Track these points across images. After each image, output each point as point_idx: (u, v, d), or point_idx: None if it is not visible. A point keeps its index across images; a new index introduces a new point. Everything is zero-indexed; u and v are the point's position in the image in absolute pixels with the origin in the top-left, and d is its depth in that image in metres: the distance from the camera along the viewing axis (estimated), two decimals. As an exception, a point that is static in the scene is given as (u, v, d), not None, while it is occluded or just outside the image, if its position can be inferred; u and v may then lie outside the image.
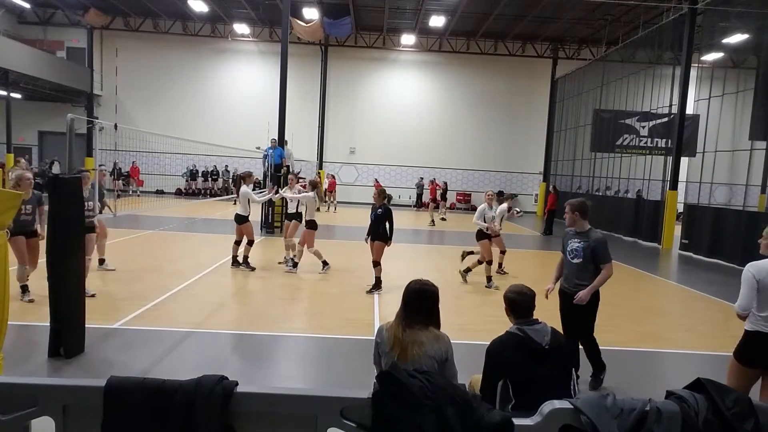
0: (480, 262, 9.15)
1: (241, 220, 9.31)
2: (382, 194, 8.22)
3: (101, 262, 8.61)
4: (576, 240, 4.67)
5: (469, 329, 6.27)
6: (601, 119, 19.81)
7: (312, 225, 9.25)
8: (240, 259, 9.43)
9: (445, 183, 25.73)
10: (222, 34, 26.83)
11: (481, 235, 9.10)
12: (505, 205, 10.20)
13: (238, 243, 9.47)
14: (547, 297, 4.75)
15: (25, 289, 6.59)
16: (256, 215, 12.75)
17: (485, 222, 9.10)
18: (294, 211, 9.92)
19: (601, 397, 1.88)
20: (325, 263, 9.38)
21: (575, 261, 4.65)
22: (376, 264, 8.15)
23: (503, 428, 1.81)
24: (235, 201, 21.07)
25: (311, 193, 9.26)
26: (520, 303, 3.03)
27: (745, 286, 3.52)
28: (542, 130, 27.73)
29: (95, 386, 1.83)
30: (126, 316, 6.25)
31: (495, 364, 2.88)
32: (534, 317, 3.01)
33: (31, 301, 6.49)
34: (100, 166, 21.77)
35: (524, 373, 2.76)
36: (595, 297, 4.66)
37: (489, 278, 8.99)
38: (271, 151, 15.13)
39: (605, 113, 19.88)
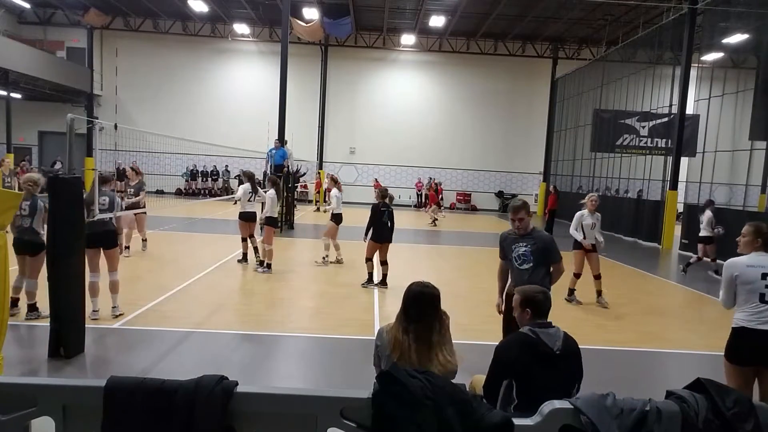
0: (576, 276, 8.19)
1: (274, 222, 9.48)
2: (378, 194, 8.64)
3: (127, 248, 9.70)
4: (522, 244, 4.34)
5: (469, 329, 6.26)
6: (601, 119, 19.80)
7: (272, 222, 9.32)
8: (262, 260, 9.44)
9: (438, 183, 25.61)
10: (222, 34, 26.83)
11: (576, 245, 8.08)
12: (710, 213, 9.86)
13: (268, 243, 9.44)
14: (501, 313, 4.67)
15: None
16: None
17: (584, 232, 7.94)
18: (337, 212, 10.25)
19: (601, 397, 1.88)
20: (269, 266, 9.23)
21: (524, 267, 4.31)
22: (367, 260, 8.54)
23: (503, 428, 1.81)
24: (236, 201, 21.18)
25: (272, 191, 9.35)
26: (543, 304, 2.96)
27: (722, 283, 3.69)
28: (542, 130, 27.74)
29: (95, 386, 1.83)
30: (126, 316, 6.25)
31: (501, 363, 2.84)
32: (548, 320, 2.96)
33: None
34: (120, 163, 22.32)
35: (530, 375, 2.73)
36: None
37: (571, 291, 8.17)
38: (273, 151, 15.12)
39: (605, 113, 19.88)
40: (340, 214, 10.28)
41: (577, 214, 8.03)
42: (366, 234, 8.46)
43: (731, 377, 3.55)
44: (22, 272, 5.96)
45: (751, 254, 3.60)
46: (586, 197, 8.11)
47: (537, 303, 2.96)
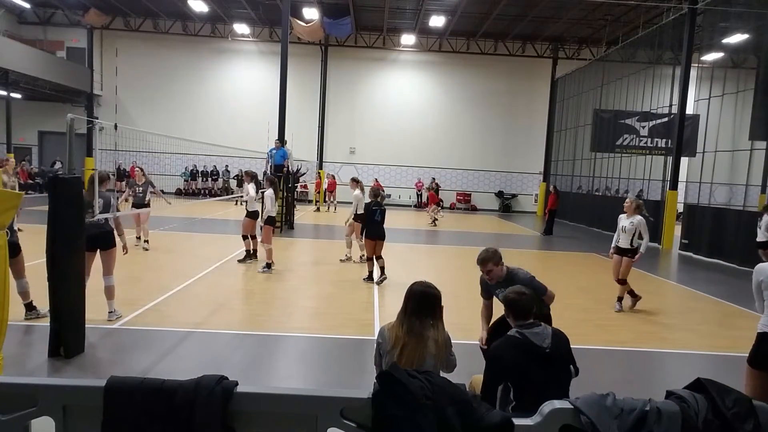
0: (618, 282, 8.04)
1: (272, 221, 9.61)
2: (371, 193, 9.12)
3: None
4: (503, 289, 4.09)
5: (468, 329, 6.25)
6: (601, 119, 19.80)
7: (271, 221, 9.45)
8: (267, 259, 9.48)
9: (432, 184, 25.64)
10: (222, 34, 26.83)
11: (616, 249, 7.87)
12: None
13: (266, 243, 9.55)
14: (484, 345, 4.50)
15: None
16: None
17: (623, 237, 7.73)
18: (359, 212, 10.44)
19: (601, 397, 1.88)
20: (269, 265, 9.29)
21: None
22: (368, 258, 8.88)
23: (503, 428, 1.81)
24: (237, 201, 21.24)
25: (269, 190, 9.47)
26: (518, 304, 3.01)
27: (753, 289, 3.67)
28: (542, 130, 27.74)
29: (95, 386, 1.83)
30: (126, 316, 6.24)
31: (495, 368, 2.89)
32: (533, 320, 3.00)
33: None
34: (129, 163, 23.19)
35: (524, 376, 2.76)
36: None
37: (619, 299, 7.98)
38: (273, 151, 15.13)
39: (605, 113, 19.87)
40: (363, 214, 10.37)
41: (619, 217, 7.91)
42: (361, 233, 8.82)
43: (748, 381, 3.55)
44: None
45: None
46: (626, 201, 7.90)
47: (513, 303, 3.02)
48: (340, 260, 10.60)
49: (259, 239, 9.98)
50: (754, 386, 3.49)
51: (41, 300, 5.96)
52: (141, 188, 10.94)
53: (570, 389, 2.92)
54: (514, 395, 2.77)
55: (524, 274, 4.20)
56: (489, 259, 4.11)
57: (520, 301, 3.01)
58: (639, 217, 7.63)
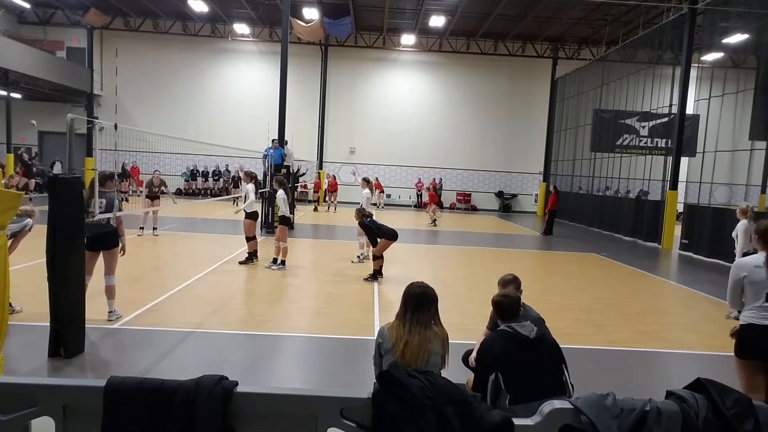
0: None
1: (287, 221, 9.80)
2: (361, 213, 9.35)
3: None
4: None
5: (469, 329, 6.26)
6: (601, 119, 19.79)
7: (285, 221, 9.58)
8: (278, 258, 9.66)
9: (432, 183, 25.64)
10: (222, 34, 26.83)
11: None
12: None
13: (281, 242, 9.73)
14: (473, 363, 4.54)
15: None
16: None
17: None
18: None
19: (601, 397, 1.88)
20: (283, 262, 9.53)
21: None
22: (375, 257, 8.99)
23: (503, 428, 1.81)
24: (235, 201, 21.23)
25: (280, 191, 9.66)
26: (506, 305, 3.33)
27: (730, 283, 3.80)
28: (542, 130, 27.74)
29: (95, 386, 1.83)
30: (126, 316, 6.24)
31: (487, 358, 3.03)
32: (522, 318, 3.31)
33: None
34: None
35: (514, 363, 2.91)
36: None
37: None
38: (271, 151, 15.13)
39: (605, 113, 19.87)
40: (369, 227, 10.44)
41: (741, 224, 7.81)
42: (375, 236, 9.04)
43: (741, 373, 3.67)
44: None
45: (760, 253, 3.72)
46: (739, 207, 7.83)
47: (498, 304, 3.39)
48: (352, 261, 10.53)
49: (259, 239, 10.00)
50: (746, 376, 3.63)
51: (41, 300, 5.96)
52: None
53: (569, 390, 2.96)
54: (505, 385, 2.85)
55: (535, 313, 4.16)
56: (510, 283, 4.16)
57: (503, 303, 3.34)
58: (741, 222, 7.64)
